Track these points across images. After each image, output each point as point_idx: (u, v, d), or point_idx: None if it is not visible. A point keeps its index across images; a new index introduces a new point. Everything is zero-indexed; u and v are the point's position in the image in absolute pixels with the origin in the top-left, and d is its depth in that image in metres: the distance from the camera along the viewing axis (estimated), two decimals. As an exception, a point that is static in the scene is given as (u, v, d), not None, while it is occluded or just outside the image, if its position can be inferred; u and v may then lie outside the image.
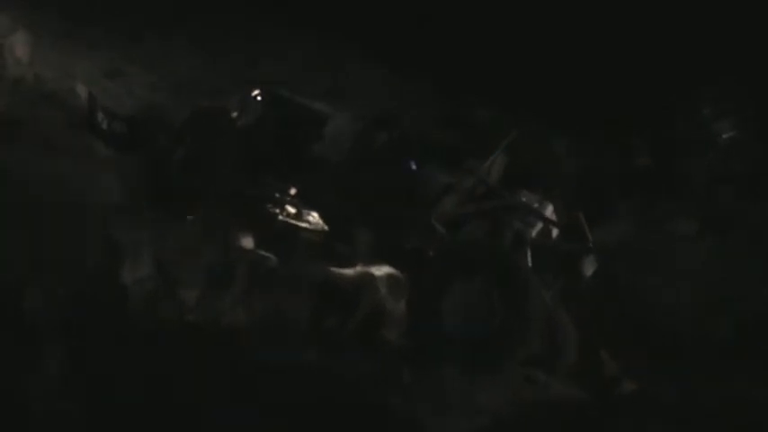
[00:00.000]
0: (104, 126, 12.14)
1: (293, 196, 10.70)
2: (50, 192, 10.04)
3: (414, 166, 10.15)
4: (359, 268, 10.04)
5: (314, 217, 10.65)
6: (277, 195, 10.71)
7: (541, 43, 14.90)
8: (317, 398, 8.24)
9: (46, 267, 9.08)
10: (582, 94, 13.96)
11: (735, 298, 10.83)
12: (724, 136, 12.97)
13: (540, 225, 9.77)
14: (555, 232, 9.93)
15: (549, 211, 9.92)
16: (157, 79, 13.41)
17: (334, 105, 11.50)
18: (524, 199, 9.92)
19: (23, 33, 12.29)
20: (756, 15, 13.91)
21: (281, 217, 10.62)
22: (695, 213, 12.03)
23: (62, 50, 12.95)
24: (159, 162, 11.06)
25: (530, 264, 9.37)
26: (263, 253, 10.12)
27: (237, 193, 10.61)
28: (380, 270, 9.95)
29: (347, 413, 8.16)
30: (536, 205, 9.86)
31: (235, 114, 10.98)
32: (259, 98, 11.04)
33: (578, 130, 13.53)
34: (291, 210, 10.67)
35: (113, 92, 12.81)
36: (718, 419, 8.62)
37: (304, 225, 10.63)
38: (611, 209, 12.43)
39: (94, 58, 13.25)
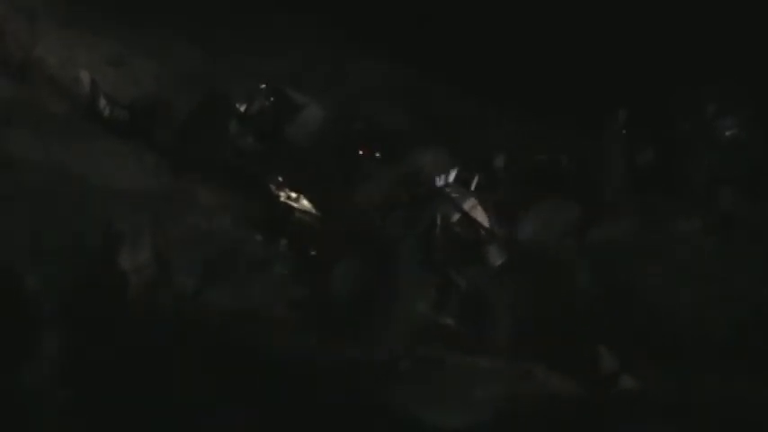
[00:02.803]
0: (106, 113, 12.13)
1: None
2: (51, 177, 10.04)
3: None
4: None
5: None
6: (280, 179, 11.30)
7: (542, 41, 14.86)
8: (312, 389, 8.23)
9: (46, 253, 9.07)
10: (582, 90, 13.93)
11: (735, 297, 10.82)
12: (727, 134, 12.93)
13: (457, 215, 10.83)
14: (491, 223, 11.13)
15: (470, 204, 10.95)
16: (161, 69, 13.37)
17: (334, 100, 12.67)
18: (448, 190, 11.03)
19: (27, 18, 12.26)
20: (760, 13, 13.88)
21: (282, 198, 11.15)
22: (696, 212, 12.01)
23: (66, 37, 12.90)
24: (165, 149, 11.43)
25: (438, 249, 10.40)
26: (261, 239, 10.34)
27: (240, 174, 11.32)
28: None
29: (343, 405, 8.15)
30: (455, 195, 10.93)
31: (243, 106, 11.95)
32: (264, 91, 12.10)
33: (578, 127, 13.51)
34: (293, 193, 11.23)
35: (116, 80, 12.77)
36: (717, 419, 8.62)
37: (299, 207, 11.15)
38: (611, 207, 12.43)
39: (98, 46, 13.21)
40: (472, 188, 12.10)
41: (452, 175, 11.88)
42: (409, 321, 9.71)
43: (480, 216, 11.11)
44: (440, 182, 11.43)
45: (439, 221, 10.64)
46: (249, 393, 8.06)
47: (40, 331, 8.18)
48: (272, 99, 12.12)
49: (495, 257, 10.88)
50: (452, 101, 14.55)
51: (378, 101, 13.77)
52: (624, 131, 12.78)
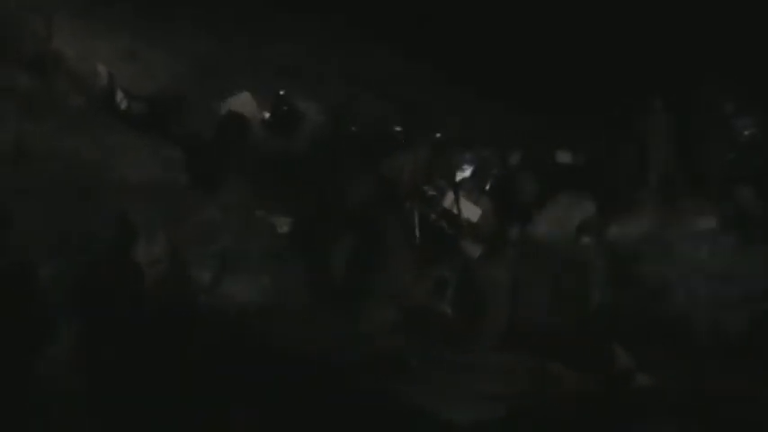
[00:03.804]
0: (122, 107, 12.17)
1: None
2: (67, 170, 10.05)
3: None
4: None
5: None
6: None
7: (559, 41, 14.86)
8: (326, 383, 8.24)
9: (60, 245, 9.09)
10: (599, 87, 13.93)
11: (751, 296, 10.79)
12: (744, 133, 12.90)
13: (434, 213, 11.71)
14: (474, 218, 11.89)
15: (449, 201, 11.78)
16: (177, 62, 13.43)
17: (338, 96, 13.28)
18: (428, 190, 11.81)
19: (44, 12, 12.26)
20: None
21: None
22: (713, 211, 11.98)
23: (83, 30, 12.94)
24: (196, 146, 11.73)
25: (417, 236, 11.33)
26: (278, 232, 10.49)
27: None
28: None
29: (357, 400, 8.15)
30: (432, 193, 11.74)
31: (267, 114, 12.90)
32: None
33: (598, 123, 13.51)
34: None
35: (133, 73, 12.82)
36: (730, 415, 8.59)
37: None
38: (627, 204, 12.45)
39: (115, 40, 13.26)
40: (487, 186, 12.59)
41: (468, 172, 12.40)
42: (400, 302, 10.50)
43: (457, 209, 11.82)
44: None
45: (417, 219, 11.39)
46: (259, 388, 8.07)
47: (54, 322, 8.20)
48: (285, 107, 12.95)
49: (472, 250, 11.54)
50: (466, 98, 14.58)
51: (385, 98, 13.85)
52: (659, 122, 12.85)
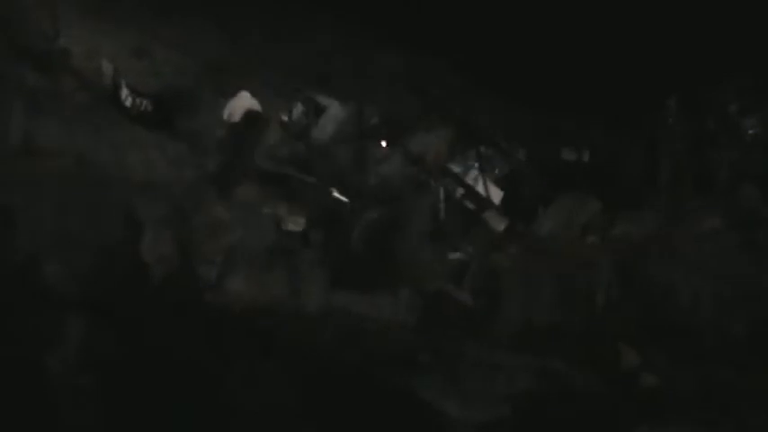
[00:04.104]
0: (128, 104, 12.18)
1: None
2: (74, 166, 10.07)
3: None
4: None
5: None
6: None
7: (571, 35, 14.83)
8: (332, 380, 8.26)
9: (68, 242, 9.11)
10: (608, 87, 13.91)
11: (756, 295, 10.78)
12: (749, 132, 12.89)
13: (461, 190, 11.99)
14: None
15: (472, 176, 12.05)
16: (183, 59, 13.42)
17: (354, 89, 13.18)
18: (455, 169, 12.12)
19: (50, 8, 12.28)
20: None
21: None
22: (719, 209, 11.97)
23: (90, 27, 12.93)
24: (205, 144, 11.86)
25: (442, 215, 11.51)
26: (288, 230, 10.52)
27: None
28: None
29: (365, 397, 8.17)
30: (458, 170, 12.00)
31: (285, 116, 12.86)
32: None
33: (604, 122, 13.50)
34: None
35: (139, 70, 12.82)
36: (735, 414, 8.61)
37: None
38: (635, 201, 12.45)
39: (122, 37, 13.25)
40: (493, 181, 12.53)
41: (474, 167, 12.40)
42: (418, 281, 10.54)
43: (483, 188, 12.05)
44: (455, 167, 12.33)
45: (442, 195, 11.55)
46: (268, 384, 8.09)
47: (63, 319, 8.23)
48: (304, 106, 12.86)
49: (497, 223, 11.75)
50: (473, 96, 14.55)
51: (394, 95, 13.84)
52: (674, 121, 12.86)
